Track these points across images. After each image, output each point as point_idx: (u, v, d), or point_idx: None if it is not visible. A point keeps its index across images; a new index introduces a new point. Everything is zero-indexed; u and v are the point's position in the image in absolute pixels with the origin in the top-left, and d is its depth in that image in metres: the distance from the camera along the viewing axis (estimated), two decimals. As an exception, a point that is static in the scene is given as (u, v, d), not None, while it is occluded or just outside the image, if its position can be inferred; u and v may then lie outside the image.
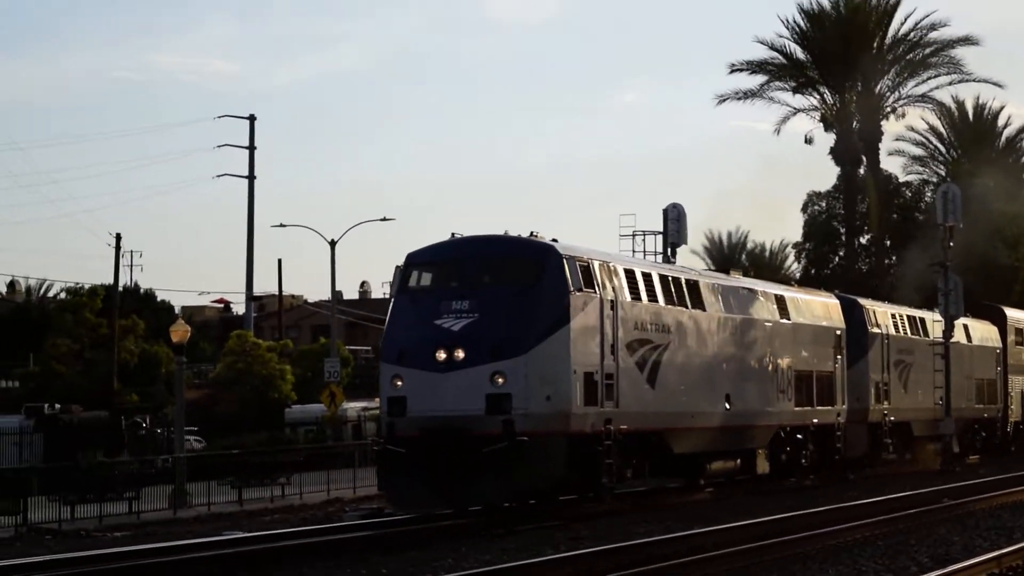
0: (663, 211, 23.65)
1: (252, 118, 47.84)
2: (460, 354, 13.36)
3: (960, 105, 41.67)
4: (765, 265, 43.84)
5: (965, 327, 26.69)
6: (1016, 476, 20.37)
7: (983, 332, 27.62)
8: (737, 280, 19.92)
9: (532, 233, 15.08)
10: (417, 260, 14.92)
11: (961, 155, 42.35)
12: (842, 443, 20.49)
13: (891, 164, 40.82)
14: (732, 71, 39.08)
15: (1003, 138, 43.05)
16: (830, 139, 38.82)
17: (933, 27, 38.02)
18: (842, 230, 39.72)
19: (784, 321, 19.86)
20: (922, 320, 25.50)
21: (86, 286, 44.81)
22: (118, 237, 40.78)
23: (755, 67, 38.92)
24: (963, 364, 25.81)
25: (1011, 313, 29.73)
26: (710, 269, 20.96)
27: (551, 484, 14.16)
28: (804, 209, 40.41)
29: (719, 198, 74.22)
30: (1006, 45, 78.42)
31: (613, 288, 15.06)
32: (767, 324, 19.33)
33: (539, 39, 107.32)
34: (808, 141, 38.55)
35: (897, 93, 39.19)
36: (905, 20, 38.47)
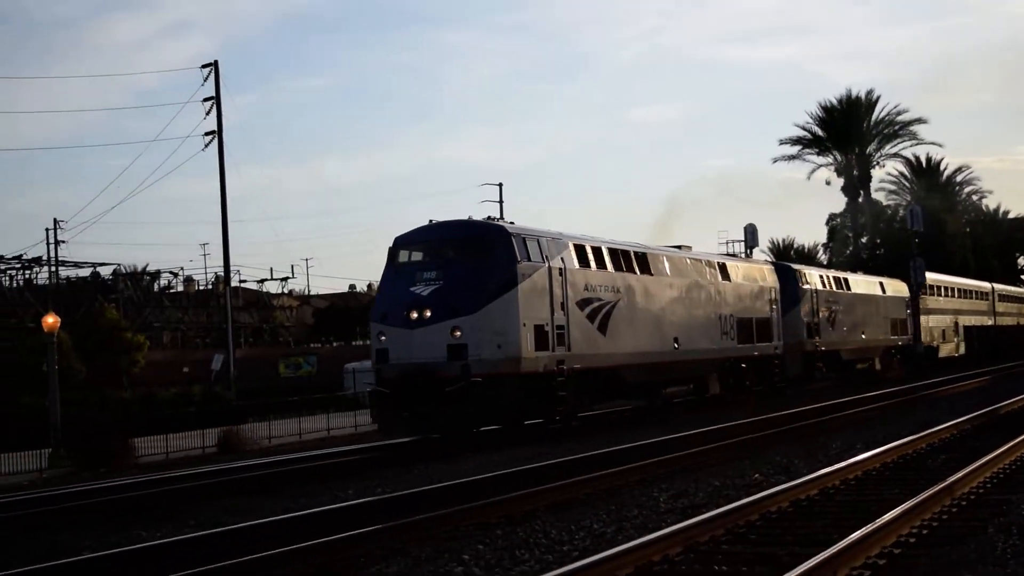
0: (744, 228, 39.11)
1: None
2: (427, 313, 16.24)
3: (917, 158, 66.28)
4: (806, 257, 62.37)
5: (880, 284, 36.43)
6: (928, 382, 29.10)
7: (896, 287, 37.98)
8: (686, 253, 24.59)
9: (489, 217, 18.64)
10: (402, 241, 17.94)
11: (919, 188, 64.74)
12: (781, 368, 26.90)
13: (878, 195, 64.93)
14: (780, 143, 63.08)
15: (943, 176, 68.33)
16: (840, 182, 61.79)
17: (899, 113, 61.26)
18: (850, 235, 62.41)
19: (726, 282, 24.95)
20: (846, 280, 33.42)
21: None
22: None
23: (793, 141, 62.01)
24: (880, 308, 35.28)
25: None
26: (673, 246, 25.16)
27: (504, 414, 17.19)
28: (827, 223, 64.28)
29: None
30: (946, 119, 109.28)
31: (562, 259, 18.16)
32: (711, 285, 24.21)
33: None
34: (828, 183, 61.79)
35: (879, 153, 62.90)
36: (882, 110, 61.58)
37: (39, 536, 9.78)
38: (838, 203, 61.71)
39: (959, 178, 68.97)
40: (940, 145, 63.49)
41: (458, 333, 15.93)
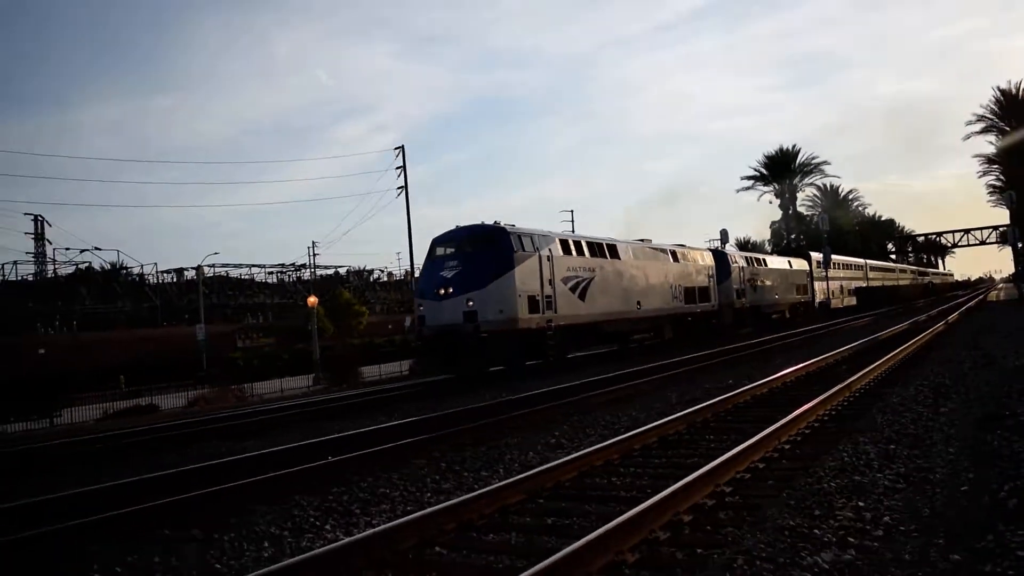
0: (720, 231, 55.85)
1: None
2: (451, 290, 21.40)
3: (825, 185, 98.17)
4: (757, 248, 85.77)
5: (789, 262, 49.27)
6: (821, 327, 38.22)
7: (799, 264, 50.88)
8: (646, 244, 31.72)
9: (496, 222, 23.06)
10: (436, 240, 23.26)
11: (826, 203, 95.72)
12: (718, 320, 35.77)
13: (801, 208, 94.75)
14: (741, 179, 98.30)
15: (840, 195, 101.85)
16: (777, 201, 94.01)
17: (814, 158, 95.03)
18: (784, 233, 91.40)
19: (675, 263, 32.52)
20: (764, 259, 45.26)
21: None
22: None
23: (749, 178, 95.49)
24: (788, 278, 47.30)
25: (813, 254, 54.35)
26: (637, 239, 32.33)
27: (507, 359, 22.12)
28: (770, 226, 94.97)
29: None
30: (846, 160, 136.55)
31: (550, 249, 23.65)
32: (664, 265, 31.50)
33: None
34: (770, 203, 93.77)
35: (801, 183, 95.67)
36: (802, 156, 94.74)
37: (313, 422, 15.39)
38: (776, 214, 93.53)
39: (851, 196, 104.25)
40: (839, 177, 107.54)
41: (471, 303, 20.97)
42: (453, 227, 23.62)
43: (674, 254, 33.07)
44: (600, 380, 17.23)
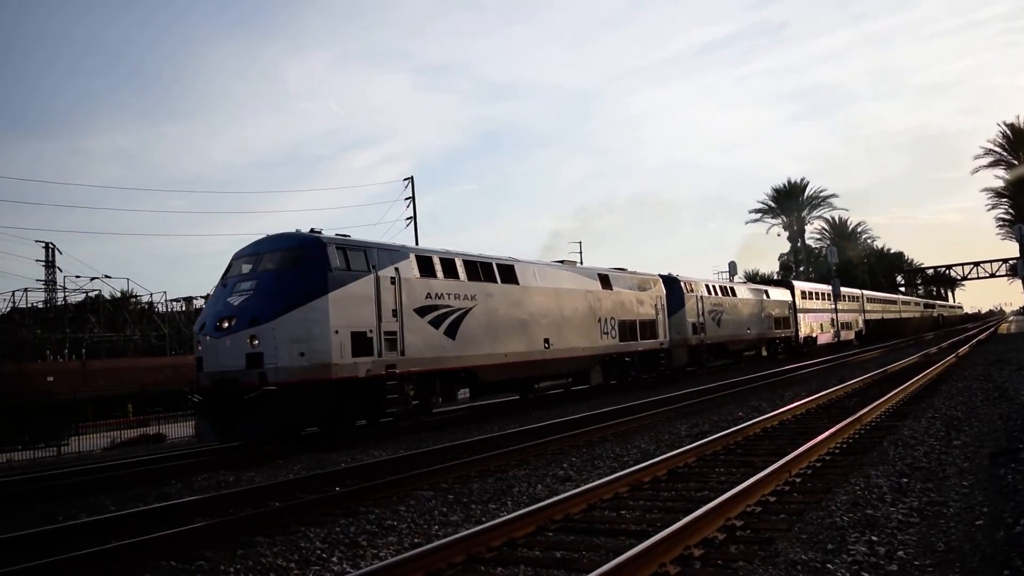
0: (728, 263, 54.90)
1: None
2: (233, 322, 15.64)
3: (833, 219, 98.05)
4: (765, 280, 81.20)
5: (766, 291, 43.40)
6: (803, 365, 35.10)
7: (779, 294, 45.54)
8: (564, 267, 25.88)
9: (311, 230, 17.33)
10: (237, 255, 17.42)
11: (834, 235, 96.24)
12: (667, 359, 30.02)
13: (809, 241, 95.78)
14: (750, 211, 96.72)
15: (849, 228, 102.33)
16: (785, 234, 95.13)
17: (822, 191, 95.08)
18: (792, 265, 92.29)
19: (607, 291, 26.56)
20: (731, 288, 38.85)
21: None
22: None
23: (757, 211, 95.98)
24: (764, 310, 41.75)
25: (797, 284, 50.37)
26: (557, 261, 27.21)
27: (311, 418, 16.39)
28: (779, 259, 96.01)
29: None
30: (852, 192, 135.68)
31: (397, 268, 17.71)
32: (590, 293, 25.49)
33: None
34: (778, 235, 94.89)
35: (808, 215, 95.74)
36: (811, 189, 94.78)
37: (311, 454, 14.01)
38: (785, 247, 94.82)
39: (859, 229, 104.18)
40: (847, 210, 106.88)
41: (256, 342, 15.37)
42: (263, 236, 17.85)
43: (605, 279, 27.00)
44: (593, 416, 17.04)
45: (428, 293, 18.60)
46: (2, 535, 8.15)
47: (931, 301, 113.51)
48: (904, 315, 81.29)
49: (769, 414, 14.40)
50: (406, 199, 45.54)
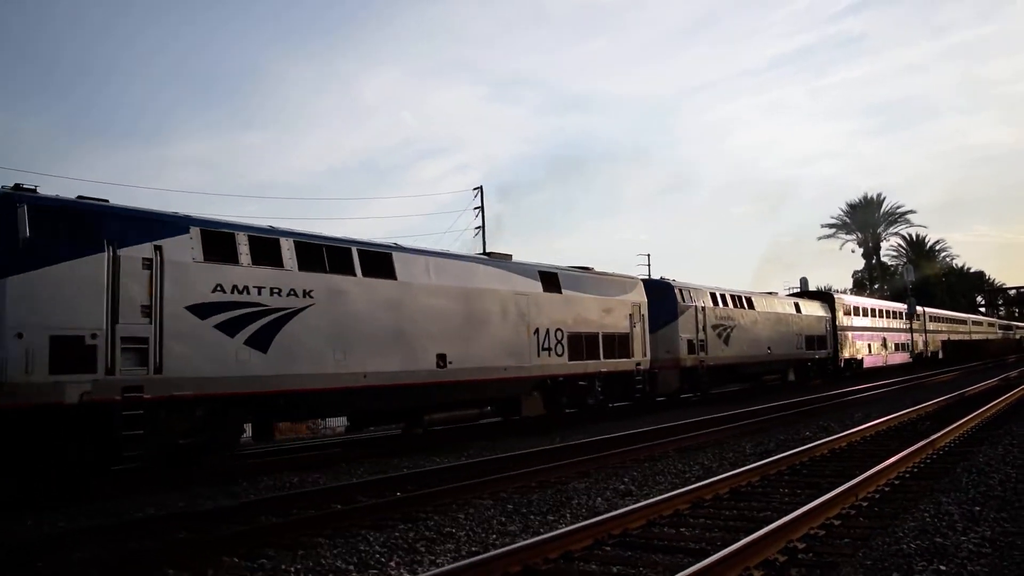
0: (800, 279, 52.43)
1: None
2: None
3: (910, 235, 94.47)
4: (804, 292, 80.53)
5: (795, 304, 36.77)
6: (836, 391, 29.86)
7: (813, 308, 38.72)
8: (478, 259, 19.93)
9: (79, 196, 12.50)
10: None
11: (911, 253, 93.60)
12: (646, 384, 23.80)
13: (885, 258, 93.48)
14: (821, 227, 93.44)
15: (927, 246, 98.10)
16: (860, 250, 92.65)
17: (899, 207, 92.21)
18: (867, 283, 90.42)
19: (553, 294, 20.75)
20: (746, 299, 32.29)
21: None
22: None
23: (830, 226, 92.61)
24: (791, 326, 35.33)
25: (838, 296, 43.65)
26: (484, 253, 22.10)
27: None
28: (852, 276, 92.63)
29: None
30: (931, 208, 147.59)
31: (157, 247, 12.52)
32: (522, 296, 19.71)
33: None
34: (852, 252, 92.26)
35: (885, 231, 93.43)
36: (887, 205, 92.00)
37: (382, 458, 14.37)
38: (859, 263, 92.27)
39: (937, 247, 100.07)
40: (925, 227, 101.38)
41: None
42: None
43: (550, 279, 21.05)
44: (660, 430, 16.94)
45: (218, 285, 13.27)
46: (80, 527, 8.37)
47: (1010, 323, 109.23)
48: (975, 336, 74.77)
49: (838, 435, 14.07)
50: (475, 208, 45.64)
